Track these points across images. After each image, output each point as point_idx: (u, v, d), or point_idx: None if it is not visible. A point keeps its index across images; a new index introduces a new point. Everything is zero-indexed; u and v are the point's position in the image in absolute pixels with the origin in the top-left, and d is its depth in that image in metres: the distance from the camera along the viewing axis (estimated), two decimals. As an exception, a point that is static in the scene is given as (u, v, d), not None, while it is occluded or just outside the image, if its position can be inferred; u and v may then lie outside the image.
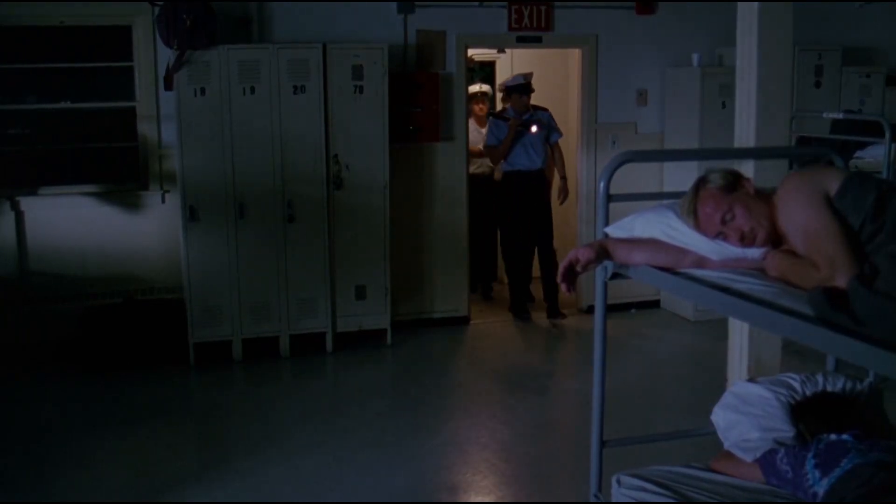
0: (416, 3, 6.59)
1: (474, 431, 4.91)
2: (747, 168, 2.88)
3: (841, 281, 2.05)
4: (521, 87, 6.83)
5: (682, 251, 2.47)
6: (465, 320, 6.87)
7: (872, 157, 5.32)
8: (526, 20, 6.81)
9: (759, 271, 2.36)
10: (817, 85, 6.86)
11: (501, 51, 8.07)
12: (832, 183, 2.26)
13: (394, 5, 6.57)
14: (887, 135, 4.99)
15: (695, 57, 6.72)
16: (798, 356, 4.18)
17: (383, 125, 6.14)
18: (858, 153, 5.48)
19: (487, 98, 7.86)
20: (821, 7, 6.85)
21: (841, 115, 5.37)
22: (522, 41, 6.90)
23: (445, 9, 6.66)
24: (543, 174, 6.98)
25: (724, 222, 2.40)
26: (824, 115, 5.50)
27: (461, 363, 6.25)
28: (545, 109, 7.02)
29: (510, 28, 6.81)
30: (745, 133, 2.89)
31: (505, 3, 6.77)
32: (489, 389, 5.51)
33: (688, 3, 6.93)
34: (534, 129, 6.73)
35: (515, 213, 6.91)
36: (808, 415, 2.70)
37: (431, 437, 4.80)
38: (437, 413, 5.20)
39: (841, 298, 1.97)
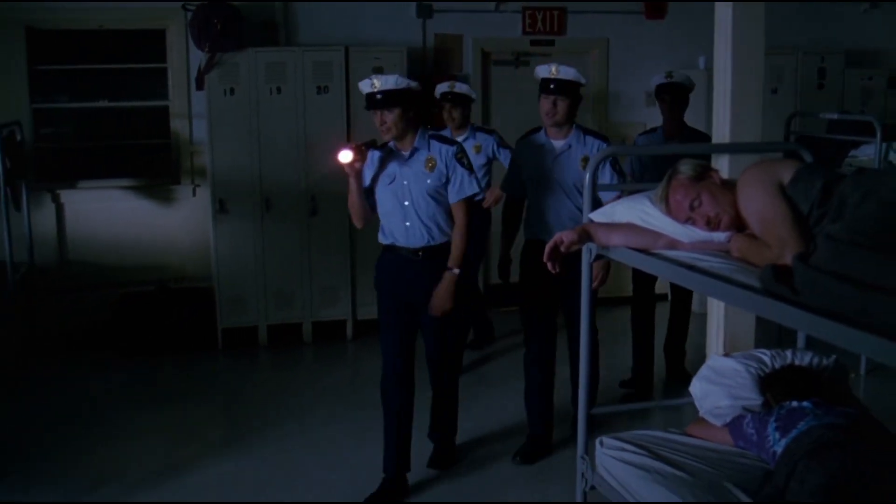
0: (434, 7, 6.87)
1: (489, 412, 5.12)
2: (722, 162, 3.17)
3: (789, 259, 2.32)
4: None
5: (656, 234, 2.73)
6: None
7: (866, 155, 5.55)
8: (539, 24, 7.08)
9: (725, 252, 2.63)
10: (820, 87, 7.06)
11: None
12: (785, 173, 2.52)
13: (413, 10, 6.86)
14: (878, 135, 5.25)
15: (701, 60, 6.96)
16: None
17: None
18: (853, 152, 5.71)
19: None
20: (823, 10, 7.05)
21: (836, 116, 5.63)
22: (536, 44, 7.16)
23: (462, 13, 6.92)
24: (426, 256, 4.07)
25: (692, 208, 2.66)
26: (821, 115, 5.75)
27: (475, 349, 6.41)
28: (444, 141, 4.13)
29: (524, 32, 7.08)
30: (721, 129, 3.16)
31: (520, 8, 7.03)
32: (501, 373, 5.74)
33: (695, 7, 7.15)
34: (343, 156, 3.85)
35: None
36: (775, 385, 2.93)
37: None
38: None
39: (787, 274, 2.25)
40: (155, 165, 6.86)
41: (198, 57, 6.23)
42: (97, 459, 4.58)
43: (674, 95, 5.22)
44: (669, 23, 7.25)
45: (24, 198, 6.26)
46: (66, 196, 6.60)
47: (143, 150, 6.91)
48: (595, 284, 4.40)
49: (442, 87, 5.72)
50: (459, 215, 4.06)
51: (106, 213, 6.63)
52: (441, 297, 4.02)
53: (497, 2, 6.96)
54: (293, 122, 6.25)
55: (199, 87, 6.25)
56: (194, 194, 6.75)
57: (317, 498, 4.13)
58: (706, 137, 5.19)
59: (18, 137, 6.21)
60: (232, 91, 6.17)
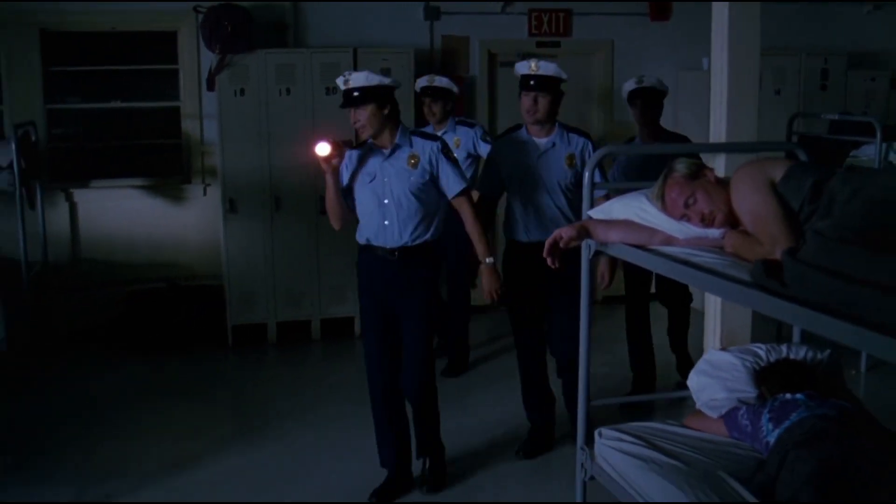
0: (441, 9, 6.96)
1: (490, 408, 5.21)
2: (719, 161, 3.24)
3: (779, 254, 2.41)
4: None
5: (652, 231, 2.81)
6: (487, 307, 7.10)
7: (866, 155, 5.62)
8: (545, 26, 7.16)
9: (719, 248, 2.71)
10: (823, 88, 7.12)
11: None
12: (777, 171, 2.60)
13: (420, 12, 6.95)
14: (878, 135, 5.32)
15: (705, 61, 7.01)
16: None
17: (410, 124, 6.49)
18: (854, 152, 5.78)
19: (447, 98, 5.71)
20: (826, 12, 7.10)
21: (837, 117, 5.70)
22: (542, 46, 7.21)
23: (469, 15, 7.01)
24: (417, 252, 3.95)
25: (687, 206, 2.74)
26: (822, 116, 5.82)
27: (483, 344, 6.44)
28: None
29: (530, 34, 7.16)
30: (717, 129, 3.24)
31: (526, 10, 7.12)
32: (502, 370, 5.79)
33: (699, 9, 7.20)
34: (320, 149, 3.77)
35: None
36: (769, 378, 3.00)
37: (452, 413, 4.90)
38: (455, 390, 5.43)
39: (777, 268, 2.32)
40: (166, 165, 6.96)
41: (209, 58, 6.33)
42: (105, 455, 4.65)
43: (645, 100, 5.04)
44: (674, 24, 7.33)
45: (39, 197, 6.37)
46: (80, 195, 6.71)
47: (154, 150, 7.01)
48: (604, 285, 4.55)
49: (421, 82, 5.68)
50: (464, 209, 3.97)
51: (118, 212, 6.73)
52: (485, 286, 4.05)
53: (504, 3, 7.05)
54: (302, 122, 6.33)
55: (210, 87, 6.34)
56: (205, 194, 6.85)
57: (323, 493, 4.19)
58: (685, 140, 5.15)
59: (33, 137, 6.33)
60: (242, 92, 6.27)
